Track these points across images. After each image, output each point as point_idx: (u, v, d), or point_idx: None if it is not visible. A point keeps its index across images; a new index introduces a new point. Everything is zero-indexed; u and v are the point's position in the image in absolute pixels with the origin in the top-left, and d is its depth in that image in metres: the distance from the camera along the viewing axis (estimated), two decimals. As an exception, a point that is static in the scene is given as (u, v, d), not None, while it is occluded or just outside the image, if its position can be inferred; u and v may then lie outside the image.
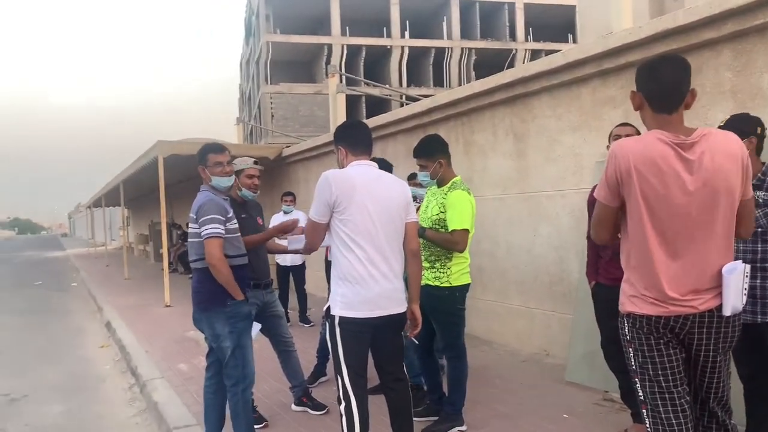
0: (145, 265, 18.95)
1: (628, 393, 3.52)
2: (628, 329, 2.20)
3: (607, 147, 3.53)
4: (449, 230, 3.52)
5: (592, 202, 3.59)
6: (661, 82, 2.11)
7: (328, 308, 2.86)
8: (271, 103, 36.29)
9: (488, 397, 4.39)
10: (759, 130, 2.92)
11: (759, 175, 2.84)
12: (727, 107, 3.95)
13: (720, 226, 2.08)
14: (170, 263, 13.73)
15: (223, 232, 3.30)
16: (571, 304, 5.05)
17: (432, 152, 3.70)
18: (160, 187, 9.91)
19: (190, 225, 3.41)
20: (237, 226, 3.47)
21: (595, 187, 3.66)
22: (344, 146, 2.97)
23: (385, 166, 4.22)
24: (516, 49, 38.99)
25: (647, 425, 2.23)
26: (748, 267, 2.11)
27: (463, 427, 3.74)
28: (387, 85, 36.14)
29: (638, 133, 3.49)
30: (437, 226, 3.58)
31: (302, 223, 7.28)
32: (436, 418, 3.79)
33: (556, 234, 5.34)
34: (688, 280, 2.08)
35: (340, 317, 2.80)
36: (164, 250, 10.42)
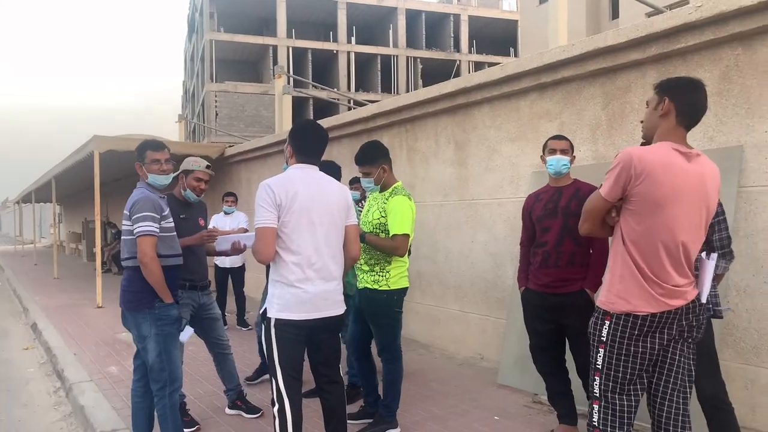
0: (76, 264, 18.18)
1: (555, 395, 3.67)
2: (609, 330, 2.32)
3: (541, 157, 3.69)
4: (390, 235, 3.57)
5: (527, 209, 3.74)
6: (699, 101, 2.34)
7: (265, 310, 2.86)
8: (216, 101, 35.62)
9: (423, 400, 4.46)
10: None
11: None
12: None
13: (703, 230, 2.33)
14: (104, 263, 13.26)
15: (157, 230, 3.23)
16: (505, 309, 5.20)
17: (375, 158, 3.74)
18: (95, 183, 9.56)
19: (123, 222, 3.32)
20: (172, 225, 3.41)
21: (530, 195, 3.81)
22: (293, 147, 2.98)
23: (334, 169, 4.23)
24: (460, 60, 39.79)
25: (596, 419, 2.36)
26: (715, 255, 2.38)
27: (397, 430, 3.79)
28: (335, 89, 36.12)
29: (572, 146, 3.66)
30: (378, 231, 3.63)
31: (242, 225, 7.22)
32: (370, 420, 3.83)
33: (493, 241, 5.49)
34: (687, 270, 2.29)
35: (276, 319, 2.80)
36: (98, 249, 10.08)
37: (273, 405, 2.82)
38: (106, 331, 7.27)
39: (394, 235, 3.54)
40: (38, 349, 6.94)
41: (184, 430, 3.78)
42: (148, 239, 3.18)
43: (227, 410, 4.23)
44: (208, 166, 4.01)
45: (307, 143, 2.97)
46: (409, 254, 5.24)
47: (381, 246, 3.56)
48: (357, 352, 3.89)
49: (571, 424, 3.59)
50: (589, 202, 2.42)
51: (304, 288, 2.79)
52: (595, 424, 2.35)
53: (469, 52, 40.88)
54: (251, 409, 4.16)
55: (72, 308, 9.11)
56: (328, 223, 2.91)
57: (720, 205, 2.95)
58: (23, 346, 7.22)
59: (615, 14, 24.69)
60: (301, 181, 2.86)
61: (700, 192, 2.26)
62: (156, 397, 3.26)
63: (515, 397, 4.49)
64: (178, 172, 3.93)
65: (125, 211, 3.29)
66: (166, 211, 3.37)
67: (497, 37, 42.24)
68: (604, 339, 2.33)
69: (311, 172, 2.95)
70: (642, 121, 2.51)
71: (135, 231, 3.19)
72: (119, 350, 6.21)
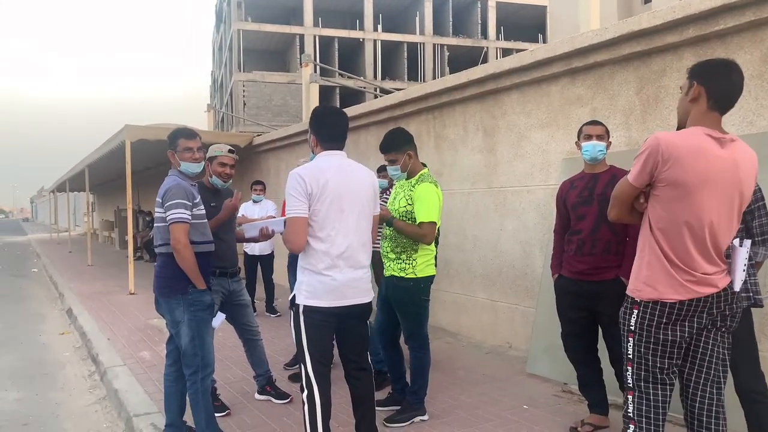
0: (109, 252, 18.58)
1: (586, 384, 3.62)
2: (637, 318, 2.28)
3: (576, 143, 3.63)
4: (417, 222, 3.55)
5: (561, 196, 3.68)
6: (732, 85, 2.25)
7: (293, 297, 2.87)
8: (244, 91, 35.89)
9: (451, 388, 4.45)
10: None
11: None
12: (689, 109, 4.06)
13: (736, 217, 2.25)
14: (136, 250, 13.51)
15: (189, 217, 3.26)
16: (534, 298, 5.14)
17: (400, 145, 3.72)
18: (126, 172, 9.73)
19: (156, 209, 3.36)
20: (204, 212, 3.44)
21: (564, 183, 3.75)
22: (316, 135, 2.96)
23: None
24: (487, 47, 39.33)
25: (631, 410, 2.33)
26: (748, 242, 2.30)
27: (425, 417, 3.79)
28: (361, 77, 36.06)
29: (608, 131, 3.58)
30: (405, 218, 3.61)
31: (271, 213, 7.27)
32: (398, 407, 3.83)
33: (522, 229, 5.43)
34: (716, 257, 2.23)
35: (305, 306, 2.81)
36: (129, 237, 10.26)
37: (302, 391, 2.84)
38: (138, 317, 7.41)
39: (420, 223, 3.52)
40: (74, 334, 7.12)
41: (215, 414, 3.85)
42: (181, 226, 3.21)
43: (257, 395, 4.28)
44: (231, 151, 4.01)
45: (330, 129, 2.95)
46: (437, 243, 5.23)
47: (408, 232, 3.54)
48: (384, 340, 3.89)
49: (602, 413, 3.55)
50: (617, 187, 2.37)
51: (332, 275, 2.79)
52: (630, 414, 2.31)
53: (497, 38, 40.36)
54: (280, 395, 4.21)
55: (105, 295, 9.32)
56: (358, 211, 2.90)
57: (759, 191, 2.86)
58: (59, 331, 7.41)
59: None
60: (331, 169, 2.84)
61: (732, 178, 2.18)
62: (188, 382, 3.31)
63: (544, 387, 4.45)
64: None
65: (158, 199, 3.33)
66: (198, 199, 3.40)
67: (525, 24, 41.60)
68: (633, 328, 2.29)
69: (340, 159, 2.94)
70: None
71: (168, 218, 3.23)
72: (151, 336, 6.33)
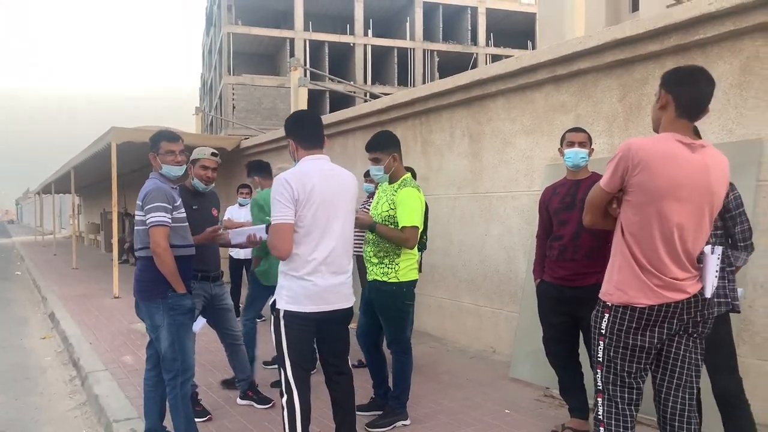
0: (95, 255, 18.42)
1: (567, 389, 3.64)
2: (608, 323, 2.30)
3: (559, 150, 3.65)
4: (399, 227, 3.55)
5: (543, 202, 3.70)
6: (698, 92, 2.26)
7: (274, 302, 2.86)
8: (233, 94, 35.80)
9: (435, 393, 4.45)
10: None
11: None
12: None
13: (707, 222, 2.27)
14: (122, 254, 13.41)
15: (170, 220, 3.24)
16: (518, 303, 5.16)
17: (386, 146, 3.72)
18: (112, 174, 9.67)
19: (136, 212, 3.34)
20: (185, 215, 3.42)
21: (546, 189, 3.78)
22: (294, 140, 2.96)
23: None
24: (477, 54, 39.52)
25: (600, 412, 2.35)
26: (720, 249, 2.30)
27: (407, 422, 3.79)
28: (351, 82, 36.10)
29: (590, 138, 3.61)
30: (387, 223, 3.60)
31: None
32: (380, 412, 3.82)
33: (507, 234, 5.45)
34: (686, 263, 2.24)
35: (285, 311, 2.80)
36: (114, 240, 10.18)
37: (282, 396, 2.82)
38: (121, 321, 7.35)
39: (403, 227, 3.52)
40: (56, 338, 7.05)
41: (196, 419, 3.81)
42: (161, 229, 3.19)
43: (239, 400, 4.26)
44: (214, 154, 4.00)
45: (309, 132, 2.96)
46: (424, 247, 5.25)
47: (391, 237, 3.54)
48: (367, 343, 3.89)
49: (582, 417, 3.56)
50: (590, 193, 2.40)
51: (314, 281, 2.79)
52: (600, 417, 2.34)
53: (487, 45, 40.57)
54: (262, 400, 4.19)
55: (89, 298, 9.24)
56: (343, 216, 2.90)
57: (738, 197, 2.90)
58: (41, 335, 7.34)
59: (635, 6, 24.31)
60: (317, 174, 2.83)
61: (702, 183, 2.21)
62: (168, 387, 3.28)
63: (527, 391, 4.46)
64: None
65: (138, 202, 3.31)
66: (179, 202, 3.38)
67: (515, 30, 41.87)
68: (604, 332, 2.32)
69: (323, 163, 2.94)
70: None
71: (147, 221, 3.21)
72: (134, 340, 6.28)
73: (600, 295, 2.38)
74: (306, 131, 2.96)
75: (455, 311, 6.10)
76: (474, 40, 40.48)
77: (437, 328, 6.34)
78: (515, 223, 5.38)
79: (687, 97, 2.26)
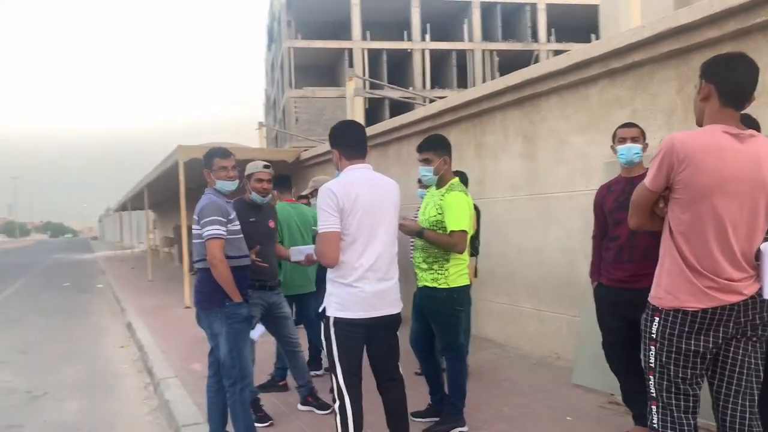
0: (169, 267, 19.26)
1: (630, 395, 3.50)
2: (659, 327, 2.21)
3: (611, 147, 3.54)
4: (447, 232, 3.53)
5: (598, 202, 3.60)
6: (740, 80, 2.17)
7: (323, 309, 2.91)
8: (295, 107, 36.65)
9: (494, 399, 4.39)
10: (759, 129, 2.92)
11: None
12: (734, 106, 3.90)
13: (763, 217, 2.14)
14: (192, 265, 13.95)
15: (225, 233, 3.36)
16: (581, 307, 5.02)
17: (438, 148, 3.71)
18: (180, 190, 10.10)
19: (193, 226, 3.49)
20: (239, 227, 3.54)
21: (601, 187, 3.68)
22: (339, 150, 3.01)
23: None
24: (538, 51, 38.72)
25: (655, 421, 2.26)
26: None
27: (465, 428, 3.75)
28: (410, 88, 36.19)
29: (643, 133, 3.49)
30: (435, 228, 3.59)
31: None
32: (437, 419, 3.81)
33: (565, 236, 5.32)
34: (742, 261, 2.12)
35: (335, 318, 2.84)
36: (184, 253, 10.61)
37: (334, 402, 2.87)
38: (191, 330, 7.59)
39: (451, 232, 3.50)
40: (132, 347, 7.41)
41: (258, 425, 3.92)
42: (217, 242, 3.32)
43: (299, 406, 4.34)
44: (266, 166, 4.13)
45: (352, 143, 2.99)
46: (477, 252, 5.19)
47: (439, 242, 3.53)
48: (420, 350, 3.88)
49: (646, 425, 3.41)
50: (635, 193, 2.30)
51: (362, 287, 2.82)
52: (655, 426, 2.24)
53: (548, 41, 39.70)
54: (322, 406, 4.25)
55: (163, 309, 9.66)
56: (387, 223, 2.93)
57: None
58: (119, 344, 7.74)
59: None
60: (361, 183, 2.88)
61: (754, 175, 2.08)
62: (228, 393, 3.40)
63: (590, 398, 4.33)
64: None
65: (194, 216, 3.45)
66: (233, 215, 3.51)
67: (577, 24, 40.74)
68: (655, 336, 2.21)
69: (367, 172, 2.97)
70: None
71: (204, 235, 3.34)
72: (203, 348, 6.44)
73: (649, 299, 2.29)
74: (350, 142, 3.00)
75: (516, 316, 6.00)
76: (534, 37, 39.70)
77: (499, 333, 6.25)
78: (574, 225, 5.24)
79: (729, 84, 2.15)
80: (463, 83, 37.91)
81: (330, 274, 2.90)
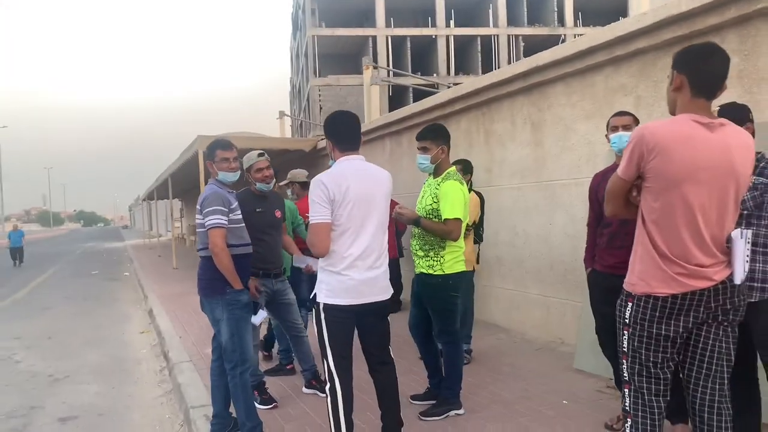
0: (194, 255, 19.56)
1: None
2: (631, 312, 2.26)
3: (606, 136, 3.56)
4: (442, 219, 3.60)
5: (593, 189, 3.62)
6: (711, 70, 2.19)
7: (314, 296, 3.02)
8: (320, 95, 36.80)
9: (494, 383, 4.46)
10: (751, 116, 2.92)
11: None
12: (735, 92, 3.87)
13: (732, 204, 2.18)
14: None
15: (226, 222, 3.48)
16: (583, 293, 5.04)
17: (437, 137, 3.77)
18: (200, 180, 10.31)
19: (196, 216, 3.62)
20: (240, 217, 3.64)
21: (596, 175, 3.70)
22: (332, 141, 3.09)
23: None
24: (565, 35, 38.08)
25: (627, 404, 2.32)
26: (749, 232, 2.18)
27: (461, 411, 3.84)
28: (435, 75, 36.03)
29: (637, 122, 3.50)
30: (431, 216, 3.66)
31: None
32: (434, 402, 3.90)
33: (571, 223, 5.33)
34: (713, 248, 2.16)
35: (325, 304, 2.94)
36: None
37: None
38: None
39: (446, 220, 3.56)
40: (152, 333, 7.66)
41: (262, 407, 4.08)
42: (218, 231, 3.44)
43: (304, 389, 4.48)
44: (261, 154, 4.22)
45: (345, 135, 3.06)
46: (481, 239, 5.25)
47: (435, 230, 3.60)
48: (418, 335, 3.97)
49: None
50: (609, 182, 2.34)
51: (350, 275, 2.91)
52: (627, 408, 2.29)
53: (575, 25, 39.04)
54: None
55: (184, 296, 9.90)
56: (378, 213, 3.01)
57: None
58: (140, 329, 8.00)
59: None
60: (352, 174, 2.95)
61: (724, 164, 2.10)
62: (229, 376, 3.54)
63: (589, 382, 4.38)
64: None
65: (197, 206, 3.58)
66: (234, 204, 3.62)
67: (605, 7, 39.95)
68: (628, 321, 2.26)
69: (358, 163, 3.04)
70: None
71: (206, 224, 3.46)
72: (218, 333, 6.71)
73: (624, 285, 2.33)
74: (342, 134, 3.08)
75: (523, 302, 6.04)
76: (561, 22, 39.07)
77: (505, 319, 6.30)
78: (579, 211, 5.24)
79: (700, 75, 2.16)
80: (488, 69, 37.41)
81: (321, 263, 3.00)
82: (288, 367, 4.98)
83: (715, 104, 2.92)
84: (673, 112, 2.28)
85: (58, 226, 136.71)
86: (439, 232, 3.61)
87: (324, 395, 4.26)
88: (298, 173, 5.80)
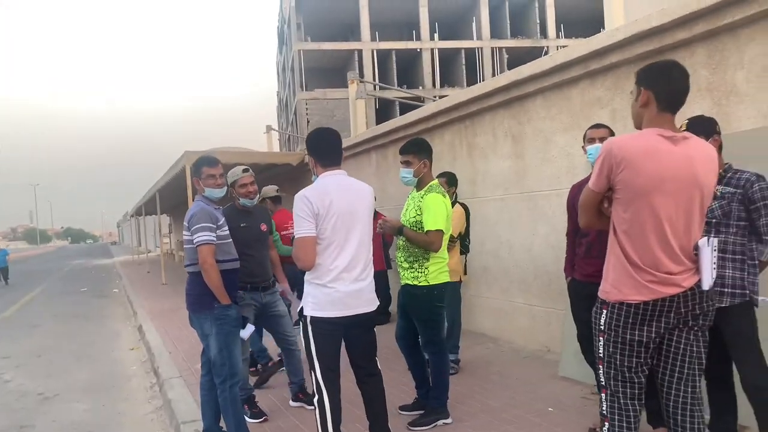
0: (183, 270, 19.52)
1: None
2: (606, 319, 2.35)
3: (582, 147, 3.69)
4: (425, 231, 3.69)
5: (570, 200, 3.74)
6: (675, 85, 2.31)
7: (301, 309, 3.09)
8: (307, 109, 36.93)
9: (481, 392, 4.54)
10: (718, 128, 3.04)
11: (721, 171, 2.95)
12: (705, 104, 4.02)
13: (698, 213, 2.28)
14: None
15: (215, 238, 3.55)
16: (566, 301, 5.14)
17: (419, 151, 3.87)
18: (188, 195, 10.35)
19: (184, 233, 3.68)
20: (227, 233, 3.72)
21: (573, 186, 3.82)
22: (314, 157, 3.18)
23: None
24: (548, 46, 38.60)
25: (604, 408, 2.41)
26: (715, 240, 2.29)
27: (449, 420, 3.91)
28: (420, 87, 36.32)
29: (612, 134, 3.62)
30: (416, 228, 3.75)
31: None
32: (423, 411, 3.97)
33: (553, 233, 5.44)
34: (681, 256, 2.26)
35: (312, 317, 3.02)
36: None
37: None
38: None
39: (428, 231, 3.66)
40: (142, 349, 7.66)
41: (253, 420, 4.13)
42: (207, 248, 3.51)
43: (291, 402, 4.53)
44: (245, 170, 4.32)
45: (326, 151, 3.16)
46: (467, 250, 5.34)
47: (417, 241, 3.69)
48: (405, 345, 4.04)
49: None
50: (582, 194, 2.44)
51: (336, 287, 2.99)
52: (604, 412, 2.38)
53: (557, 36, 39.58)
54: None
55: (174, 311, 9.89)
56: (361, 226, 3.09)
57: (765, 188, 2.84)
58: (130, 346, 8.01)
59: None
60: (335, 189, 3.04)
61: (688, 175, 2.22)
62: (218, 390, 3.59)
63: (574, 389, 4.47)
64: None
65: (185, 223, 3.65)
66: (222, 221, 3.70)
67: (586, 19, 40.53)
68: (603, 328, 2.35)
69: (340, 178, 3.14)
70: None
71: (195, 240, 3.54)
72: (208, 349, 6.74)
73: (598, 293, 2.43)
74: (324, 150, 3.17)
75: (509, 311, 6.14)
76: (544, 33, 39.60)
77: (493, 329, 6.39)
78: (561, 222, 5.31)
79: (667, 91, 2.28)
80: (472, 81, 37.89)
81: (307, 276, 3.08)
82: (270, 364, 5.08)
83: (687, 116, 3.07)
84: (639, 126, 2.39)
85: (45, 243, 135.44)
86: (420, 242, 3.70)
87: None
88: (268, 189, 6.08)
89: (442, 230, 3.67)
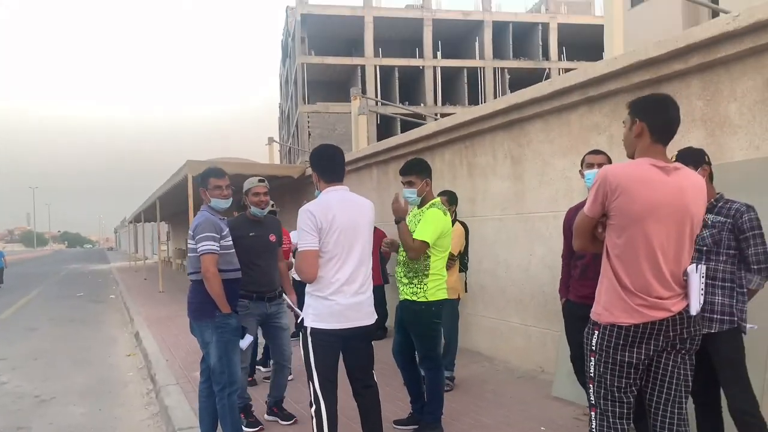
0: (181, 278, 19.58)
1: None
2: (597, 339, 2.44)
3: (580, 172, 3.80)
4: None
5: (566, 222, 3.84)
6: (668, 117, 2.43)
7: (302, 320, 3.18)
8: (308, 122, 37.19)
9: (476, 410, 4.61)
10: (707, 158, 3.16)
11: (712, 200, 3.06)
12: (699, 134, 4.14)
13: (688, 241, 2.38)
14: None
15: (218, 248, 3.65)
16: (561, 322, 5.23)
17: (420, 171, 3.99)
18: (189, 204, 10.46)
19: (188, 241, 3.78)
20: (231, 243, 3.82)
21: (570, 209, 3.92)
22: (317, 173, 3.29)
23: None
24: (549, 68, 39.03)
25: (594, 426, 2.49)
26: (703, 267, 2.39)
27: (442, 436, 3.98)
28: (422, 104, 36.62)
29: (609, 160, 3.73)
30: (416, 244, 3.85)
31: None
32: (417, 426, 4.03)
33: (550, 254, 5.54)
34: (671, 282, 2.36)
35: (312, 328, 3.11)
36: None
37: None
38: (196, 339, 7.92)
39: (414, 239, 3.76)
40: (138, 356, 7.71)
41: (249, 429, 4.19)
42: (211, 257, 3.60)
43: (265, 416, 4.49)
44: (261, 180, 4.42)
45: (330, 168, 3.26)
46: (466, 268, 5.44)
47: (404, 239, 3.78)
48: (401, 360, 4.12)
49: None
50: (576, 219, 2.55)
51: (336, 300, 3.08)
52: (593, 430, 2.46)
53: (559, 59, 40.06)
54: (286, 417, 4.42)
55: (171, 319, 9.96)
56: (362, 241, 3.20)
57: (754, 219, 2.94)
58: (127, 352, 8.05)
59: (715, 13, 23.25)
60: (337, 204, 3.15)
61: (679, 204, 2.32)
62: (217, 398, 3.67)
63: (567, 410, 4.53)
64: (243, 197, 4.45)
65: (189, 232, 3.74)
66: (225, 231, 3.79)
67: (588, 43, 41.00)
68: (594, 348, 2.44)
69: (343, 193, 3.24)
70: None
71: (198, 249, 3.63)
72: (205, 357, 6.79)
73: (591, 315, 2.52)
74: (327, 166, 3.28)
75: (505, 331, 6.21)
76: (546, 56, 40.09)
77: (489, 348, 6.46)
78: (557, 243, 5.42)
79: (660, 124, 2.40)
80: (474, 100, 38.26)
81: (308, 288, 3.17)
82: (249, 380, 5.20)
83: (681, 145, 3.18)
84: (631, 155, 2.50)
85: (41, 246, 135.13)
86: (404, 240, 3.78)
87: (284, 423, 4.39)
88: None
89: (427, 243, 3.75)
